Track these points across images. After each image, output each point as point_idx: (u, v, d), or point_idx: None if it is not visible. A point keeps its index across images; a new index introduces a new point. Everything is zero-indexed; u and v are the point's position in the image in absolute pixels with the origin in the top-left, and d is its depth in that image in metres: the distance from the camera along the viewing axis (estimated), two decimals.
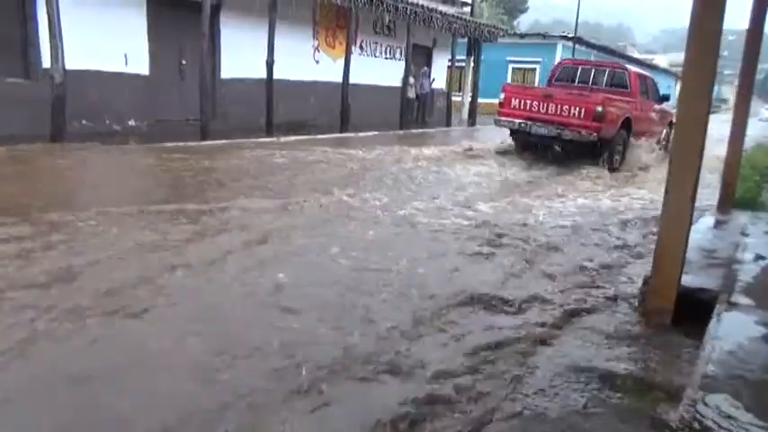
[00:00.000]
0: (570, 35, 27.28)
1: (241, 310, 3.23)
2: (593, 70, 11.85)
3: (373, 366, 2.63)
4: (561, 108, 10.01)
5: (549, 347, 2.91)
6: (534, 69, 27.92)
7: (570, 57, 26.85)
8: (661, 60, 56.39)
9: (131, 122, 10.35)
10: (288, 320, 3.07)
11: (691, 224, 3.07)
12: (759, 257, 4.13)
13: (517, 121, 10.47)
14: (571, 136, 9.76)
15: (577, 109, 9.82)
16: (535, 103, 10.36)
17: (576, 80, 11.79)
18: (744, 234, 4.78)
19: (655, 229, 5.56)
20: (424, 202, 6.30)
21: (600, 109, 9.60)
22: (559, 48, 27.38)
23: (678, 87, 11.55)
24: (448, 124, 17.26)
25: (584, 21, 27.52)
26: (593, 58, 30.75)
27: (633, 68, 12.22)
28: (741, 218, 5.50)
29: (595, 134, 9.65)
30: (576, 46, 27.18)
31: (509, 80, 28.30)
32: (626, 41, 67.48)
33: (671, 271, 3.07)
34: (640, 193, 8.05)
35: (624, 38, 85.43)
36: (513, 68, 28.18)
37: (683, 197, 2.99)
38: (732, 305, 3.03)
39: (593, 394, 2.43)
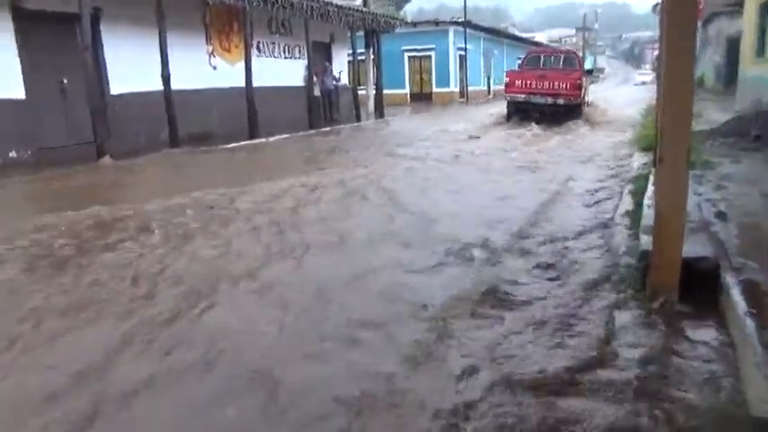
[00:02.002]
0: (460, 20, 27.69)
1: None
2: (552, 56, 15.56)
3: None
4: (553, 83, 13.62)
5: None
6: (429, 57, 28.11)
7: (463, 41, 27.45)
8: (541, 37, 59.21)
9: (12, 154, 9.11)
10: None
11: (687, 193, 2.90)
12: (724, 216, 4.11)
13: (521, 95, 13.94)
14: (564, 102, 13.47)
15: (565, 83, 13.60)
16: (533, 81, 13.80)
17: (541, 64, 14.91)
18: (696, 194, 4.78)
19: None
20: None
21: (579, 82, 13.66)
22: (451, 33, 27.73)
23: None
24: (357, 119, 16.89)
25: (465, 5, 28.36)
26: (482, 42, 31.67)
27: (578, 53, 17.39)
28: None
29: (577, 99, 13.64)
30: (468, 30, 27.65)
31: (406, 69, 28.41)
32: (506, 22, 70.18)
33: (674, 243, 2.87)
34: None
35: (503, 19, 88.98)
36: (408, 57, 28.18)
37: (679, 165, 2.80)
38: (738, 271, 2.89)
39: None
